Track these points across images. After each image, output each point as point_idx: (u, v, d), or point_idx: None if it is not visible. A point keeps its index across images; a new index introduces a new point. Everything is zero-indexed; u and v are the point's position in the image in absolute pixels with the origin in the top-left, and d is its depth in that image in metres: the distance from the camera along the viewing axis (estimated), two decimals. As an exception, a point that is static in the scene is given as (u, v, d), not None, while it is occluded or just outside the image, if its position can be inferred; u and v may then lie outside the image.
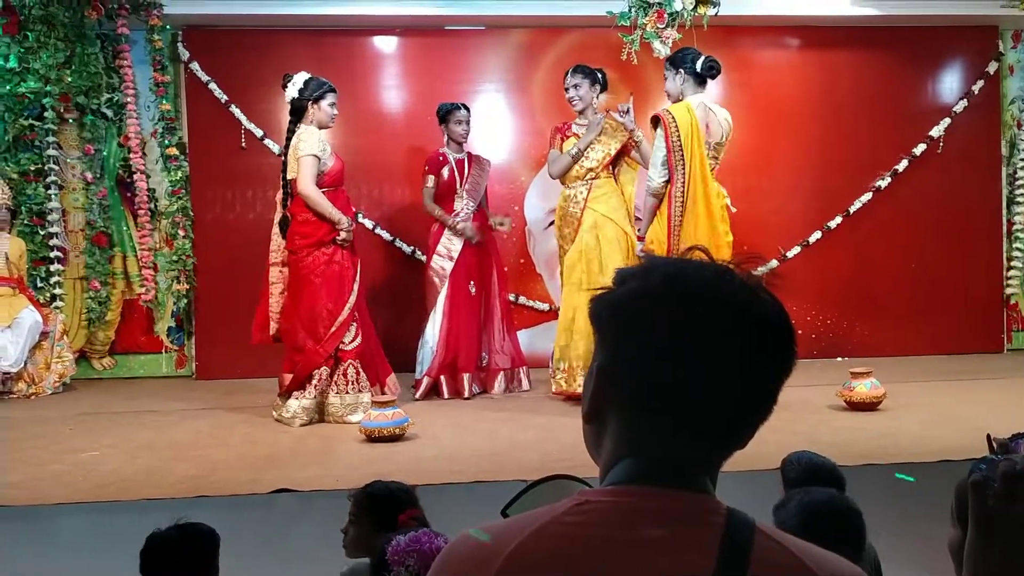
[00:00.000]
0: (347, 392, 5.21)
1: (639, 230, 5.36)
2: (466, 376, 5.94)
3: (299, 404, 5.17)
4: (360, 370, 5.28)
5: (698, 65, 5.20)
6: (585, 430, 1.03)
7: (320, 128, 5.31)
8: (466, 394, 5.89)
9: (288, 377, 5.25)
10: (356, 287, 5.27)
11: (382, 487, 2.49)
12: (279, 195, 5.46)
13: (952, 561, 1.43)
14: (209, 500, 3.68)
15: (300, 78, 5.32)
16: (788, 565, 0.90)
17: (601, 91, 5.78)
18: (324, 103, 5.30)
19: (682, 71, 5.22)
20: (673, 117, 5.08)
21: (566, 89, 5.71)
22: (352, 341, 5.26)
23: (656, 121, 5.17)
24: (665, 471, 0.94)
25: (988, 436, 1.77)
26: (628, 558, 0.88)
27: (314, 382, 5.19)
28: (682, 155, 5.04)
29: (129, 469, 4.25)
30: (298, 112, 5.34)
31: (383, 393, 5.37)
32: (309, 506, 3.63)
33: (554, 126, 5.94)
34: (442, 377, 5.91)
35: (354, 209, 5.75)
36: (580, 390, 5.36)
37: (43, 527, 3.55)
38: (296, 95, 5.30)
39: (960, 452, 3.68)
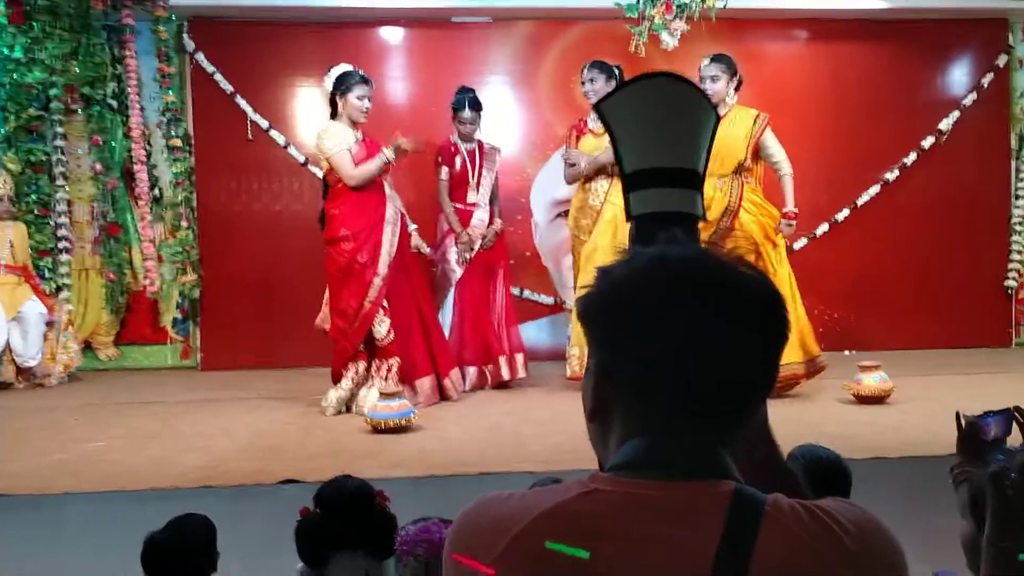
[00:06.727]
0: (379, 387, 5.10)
1: (794, 208, 5.52)
2: (472, 369, 5.89)
3: (335, 395, 5.18)
4: (394, 368, 5.19)
5: (737, 78, 5.43)
6: (590, 429, 1.03)
7: (352, 122, 5.18)
8: (466, 387, 5.80)
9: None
10: (379, 281, 5.13)
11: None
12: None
13: (965, 555, 1.42)
14: (215, 490, 3.68)
15: (336, 71, 5.17)
16: (797, 548, 0.88)
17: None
18: (351, 96, 5.11)
19: (734, 80, 5.41)
20: None
21: (582, 83, 5.71)
22: (386, 337, 5.19)
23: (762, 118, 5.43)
24: (671, 459, 0.93)
25: (957, 414, 1.76)
26: (632, 552, 0.88)
27: (351, 375, 5.18)
28: None
29: (135, 459, 4.25)
30: (334, 106, 5.23)
31: (415, 394, 5.28)
32: (315, 497, 3.63)
33: (571, 124, 5.91)
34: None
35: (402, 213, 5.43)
36: None
37: (49, 516, 3.55)
38: (329, 89, 5.19)
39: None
